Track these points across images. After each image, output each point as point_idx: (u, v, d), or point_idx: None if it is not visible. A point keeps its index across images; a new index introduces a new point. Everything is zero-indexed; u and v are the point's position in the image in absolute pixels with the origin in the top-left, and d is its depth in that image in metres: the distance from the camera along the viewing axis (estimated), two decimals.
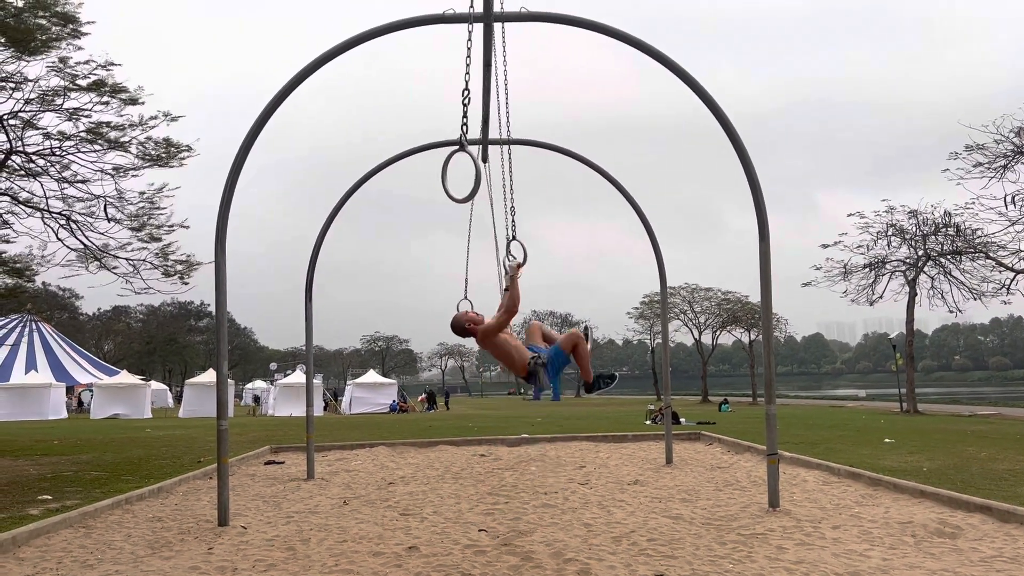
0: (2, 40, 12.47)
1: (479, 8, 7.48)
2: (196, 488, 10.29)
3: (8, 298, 18.10)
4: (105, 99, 13.77)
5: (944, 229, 27.89)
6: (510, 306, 6.61)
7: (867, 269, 30.36)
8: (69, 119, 13.79)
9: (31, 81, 13.25)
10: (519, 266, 6.94)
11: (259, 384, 51.43)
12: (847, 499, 8.26)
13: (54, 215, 14.36)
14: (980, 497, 7.65)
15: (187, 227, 15.30)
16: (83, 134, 13.94)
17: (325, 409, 39.65)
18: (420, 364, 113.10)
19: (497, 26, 8.03)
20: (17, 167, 14.02)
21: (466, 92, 6.03)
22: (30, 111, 13.61)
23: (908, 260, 29.68)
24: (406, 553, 6.20)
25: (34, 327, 44.63)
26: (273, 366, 59.95)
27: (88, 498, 9.04)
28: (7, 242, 14.88)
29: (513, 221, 8.16)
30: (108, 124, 14.03)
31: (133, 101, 13.95)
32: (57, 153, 13.99)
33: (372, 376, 44.43)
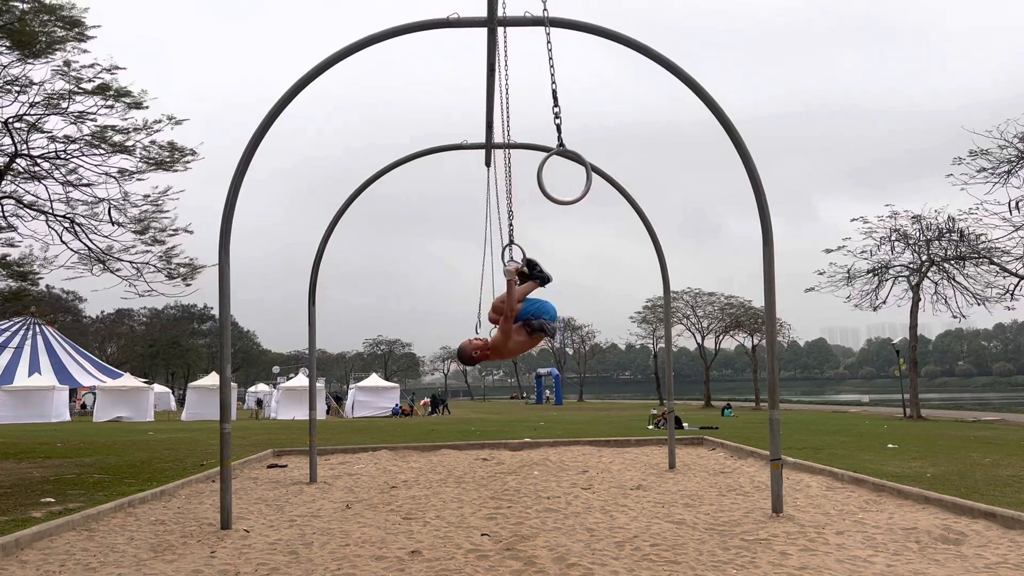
0: (7, 43, 12.52)
1: (483, 13, 7.50)
2: (199, 491, 10.28)
3: (12, 301, 18.14)
4: (110, 103, 13.81)
5: (948, 234, 27.85)
6: (508, 314, 6.61)
7: (870, 274, 30.33)
8: (74, 123, 13.83)
9: (36, 84, 13.30)
10: (517, 269, 6.92)
11: (262, 387, 51.47)
12: (851, 505, 8.24)
13: (58, 218, 14.40)
14: (984, 503, 7.62)
15: (191, 232, 15.34)
16: (88, 137, 13.98)
17: (328, 413, 39.66)
18: (423, 368, 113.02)
19: (500, 30, 8.04)
20: (22, 170, 14.06)
21: (556, 108, 6.35)
22: (35, 114, 13.64)
23: (912, 265, 29.65)
24: (409, 557, 6.19)
25: (38, 330, 44.66)
26: (276, 369, 59.97)
27: (91, 501, 9.05)
28: (12, 245, 14.93)
29: (511, 224, 8.10)
30: (113, 128, 14.06)
31: (138, 105, 13.98)
32: (62, 156, 14.03)
33: (375, 380, 44.47)
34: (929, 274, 29.22)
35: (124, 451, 16.22)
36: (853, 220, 30.18)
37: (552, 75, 6.53)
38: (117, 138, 14.13)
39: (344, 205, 11.18)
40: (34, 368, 40.61)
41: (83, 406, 44.41)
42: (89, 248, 14.64)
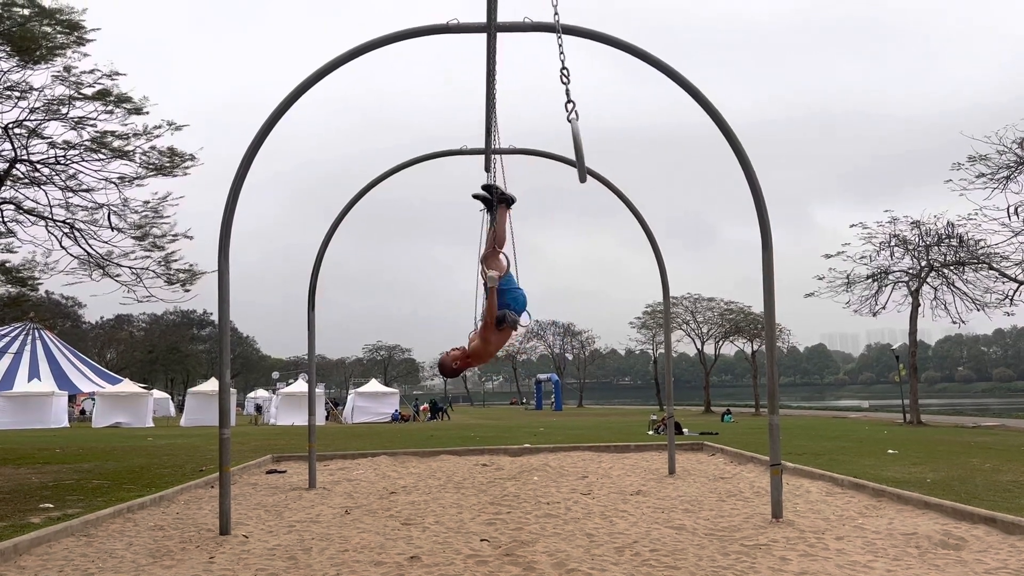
0: (7, 49, 12.54)
1: (482, 19, 7.51)
2: (198, 497, 10.27)
3: (11, 306, 18.14)
4: (110, 108, 13.84)
5: (947, 240, 27.87)
6: (489, 320, 6.78)
7: (870, 280, 30.33)
8: (74, 128, 13.85)
9: (36, 90, 13.32)
10: (499, 276, 6.95)
11: (261, 393, 51.39)
12: (851, 510, 8.23)
13: (58, 223, 14.41)
14: (985, 508, 7.61)
15: (191, 237, 15.36)
16: (87, 143, 14.00)
17: (327, 418, 39.62)
18: (422, 373, 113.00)
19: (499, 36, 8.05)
20: (22, 176, 14.07)
21: (570, 104, 6.19)
22: (35, 120, 13.66)
23: (911, 271, 29.65)
24: (408, 563, 6.18)
25: (37, 335, 44.61)
26: (275, 375, 59.90)
27: (90, 506, 9.03)
28: (11, 251, 14.94)
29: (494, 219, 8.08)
30: (112, 133, 14.08)
31: (138, 110, 14.02)
32: (62, 162, 14.04)
33: (374, 385, 44.40)
34: (928, 280, 29.22)
35: (123, 457, 16.20)
36: (852, 226, 30.18)
37: (565, 72, 6.29)
38: (117, 144, 14.17)
39: (343, 211, 11.19)
40: (33, 374, 40.58)
41: (82, 412, 44.34)
42: (89, 253, 14.65)
